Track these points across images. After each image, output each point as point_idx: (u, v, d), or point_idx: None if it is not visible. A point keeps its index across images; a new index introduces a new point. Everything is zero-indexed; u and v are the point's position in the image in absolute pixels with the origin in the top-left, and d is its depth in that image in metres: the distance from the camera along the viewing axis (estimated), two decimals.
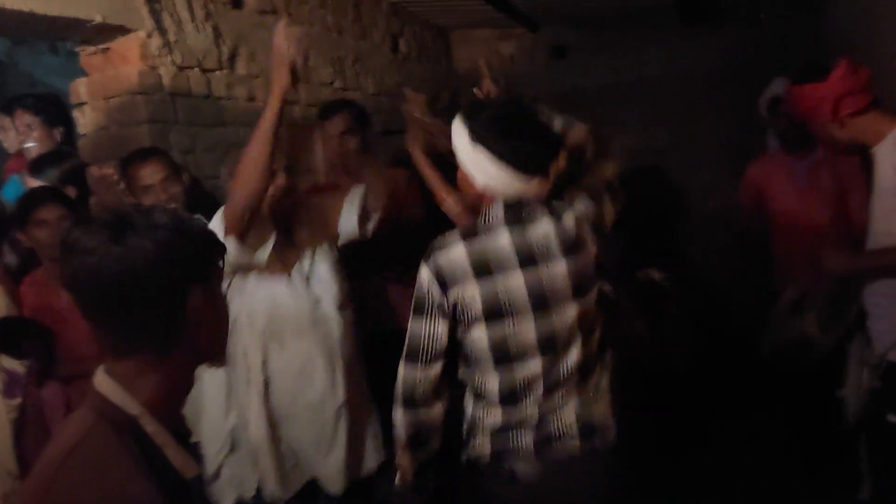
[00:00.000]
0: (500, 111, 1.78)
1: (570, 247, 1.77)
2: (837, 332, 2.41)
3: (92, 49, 2.84)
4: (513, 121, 1.76)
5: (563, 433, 1.80)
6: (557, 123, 2.00)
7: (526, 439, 1.79)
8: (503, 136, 1.71)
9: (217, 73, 3.13)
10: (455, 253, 1.73)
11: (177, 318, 1.04)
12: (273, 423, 2.33)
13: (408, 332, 1.78)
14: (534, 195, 1.76)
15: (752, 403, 3.62)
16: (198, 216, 2.11)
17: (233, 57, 3.23)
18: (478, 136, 1.71)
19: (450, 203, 2.32)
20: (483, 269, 1.72)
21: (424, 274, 1.75)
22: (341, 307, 2.40)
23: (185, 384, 1.11)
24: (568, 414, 1.80)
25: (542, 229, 1.75)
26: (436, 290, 1.74)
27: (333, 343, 2.37)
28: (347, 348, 2.41)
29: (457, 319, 1.76)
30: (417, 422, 1.79)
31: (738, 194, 3.60)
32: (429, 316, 1.75)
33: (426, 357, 1.76)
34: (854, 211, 2.99)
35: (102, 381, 1.04)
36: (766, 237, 3.40)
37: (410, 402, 1.77)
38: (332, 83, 3.94)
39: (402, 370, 1.79)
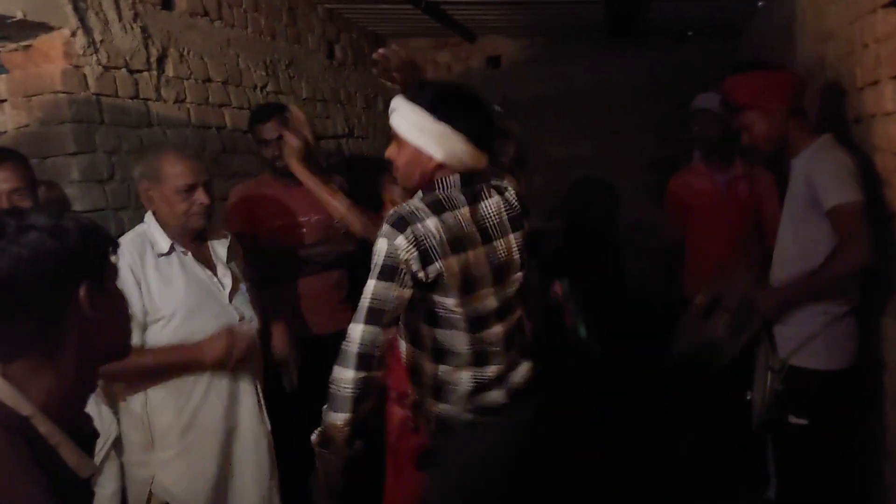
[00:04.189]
0: (452, 91, 1.89)
1: (515, 221, 1.95)
2: (745, 337, 2.52)
3: (13, 46, 2.77)
4: (467, 100, 1.87)
5: (514, 391, 1.96)
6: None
7: (493, 396, 1.92)
8: (463, 113, 1.83)
9: (145, 73, 3.09)
10: (431, 225, 1.78)
11: (60, 317, 1.04)
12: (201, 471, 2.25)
13: (371, 293, 1.77)
14: (480, 169, 1.89)
15: (666, 407, 3.74)
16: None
17: (162, 58, 3.19)
18: (440, 112, 1.81)
19: (336, 203, 2.51)
20: (456, 243, 1.81)
21: (400, 241, 1.76)
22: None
23: (83, 383, 1.09)
24: (519, 374, 1.98)
25: (494, 205, 1.91)
26: (413, 259, 1.76)
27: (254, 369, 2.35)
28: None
29: (430, 289, 1.82)
30: (370, 380, 1.78)
31: (659, 204, 3.71)
32: (399, 282, 1.76)
33: (389, 319, 1.78)
34: (766, 221, 3.15)
35: None
36: (682, 247, 3.50)
37: (367, 363, 1.76)
38: (264, 87, 3.92)
39: (361, 330, 1.77)
